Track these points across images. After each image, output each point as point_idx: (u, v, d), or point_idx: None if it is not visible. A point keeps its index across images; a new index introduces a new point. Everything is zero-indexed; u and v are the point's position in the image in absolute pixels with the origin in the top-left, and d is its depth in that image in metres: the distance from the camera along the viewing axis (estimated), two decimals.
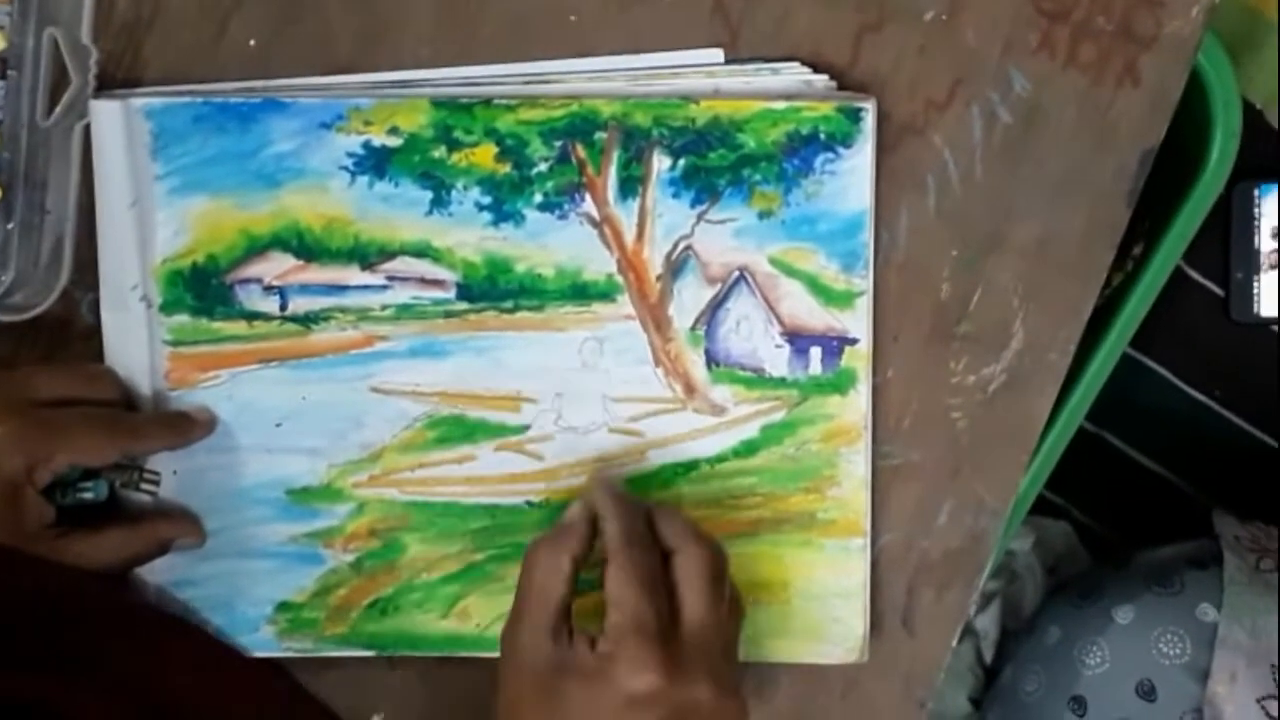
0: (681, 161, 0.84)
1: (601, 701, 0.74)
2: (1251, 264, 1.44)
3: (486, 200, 0.85)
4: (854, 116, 0.83)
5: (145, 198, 0.84)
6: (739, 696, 0.77)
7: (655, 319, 0.86)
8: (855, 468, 0.87)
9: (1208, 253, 1.40)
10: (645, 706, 0.74)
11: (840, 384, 0.86)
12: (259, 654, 0.89)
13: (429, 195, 0.85)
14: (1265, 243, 1.43)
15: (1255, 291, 1.44)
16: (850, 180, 0.84)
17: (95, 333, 0.86)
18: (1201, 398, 1.44)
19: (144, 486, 0.85)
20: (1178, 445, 1.46)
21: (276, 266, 0.86)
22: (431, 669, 0.90)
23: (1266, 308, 1.44)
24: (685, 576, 0.77)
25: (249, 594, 0.88)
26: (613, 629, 0.75)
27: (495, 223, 0.85)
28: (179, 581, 0.88)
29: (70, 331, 0.88)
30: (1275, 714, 1.11)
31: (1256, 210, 1.43)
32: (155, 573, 0.87)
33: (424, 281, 0.86)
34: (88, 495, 0.83)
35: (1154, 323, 1.17)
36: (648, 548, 0.78)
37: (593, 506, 0.81)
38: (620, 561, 0.77)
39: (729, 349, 0.86)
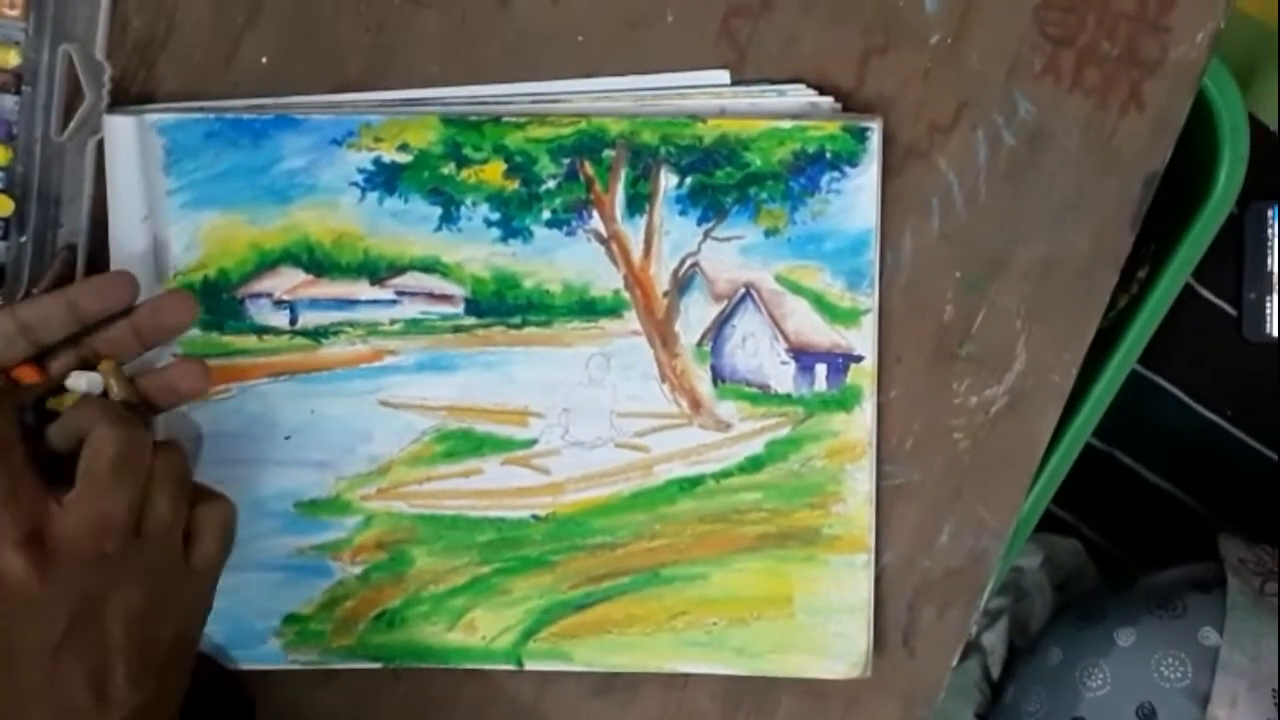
0: (689, 179, 0.85)
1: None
2: (1264, 284, 1.44)
3: (495, 216, 0.86)
4: (860, 136, 0.84)
5: (158, 212, 0.85)
6: (159, 583, 0.74)
7: (662, 335, 0.87)
8: (860, 484, 0.87)
9: (1220, 272, 1.41)
10: (38, 614, 0.70)
11: (845, 401, 0.87)
12: (265, 667, 0.89)
13: (438, 211, 0.86)
14: (1277, 263, 1.44)
15: (1268, 311, 1.44)
16: (856, 199, 0.85)
17: None
18: (1213, 417, 1.44)
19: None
20: (1188, 464, 1.46)
21: (287, 281, 0.86)
22: (436, 681, 0.91)
23: (1279, 328, 1.44)
24: (80, 473, 0.74)
25: (257, 606, 0.89)
26: None
27: (504, 239, 0.86)
28: None
29: None
30: None
31: (1269, 231, 1.43)
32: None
33: (433, 296, 0.86)
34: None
35: (1166, 342, 1.18)
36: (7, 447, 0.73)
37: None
38: None
39: (735, 365, 0.87)
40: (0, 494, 0.71)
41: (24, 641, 0.70)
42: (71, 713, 0.71)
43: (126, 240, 0.85)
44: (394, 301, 0.86)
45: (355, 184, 0.85)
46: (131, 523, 0.73)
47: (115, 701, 0.71)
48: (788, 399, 0.87)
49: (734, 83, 0.86)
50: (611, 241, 0.86)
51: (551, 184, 0.85)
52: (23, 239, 0.86)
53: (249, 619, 0.89)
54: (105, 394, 0.81)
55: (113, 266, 0.85)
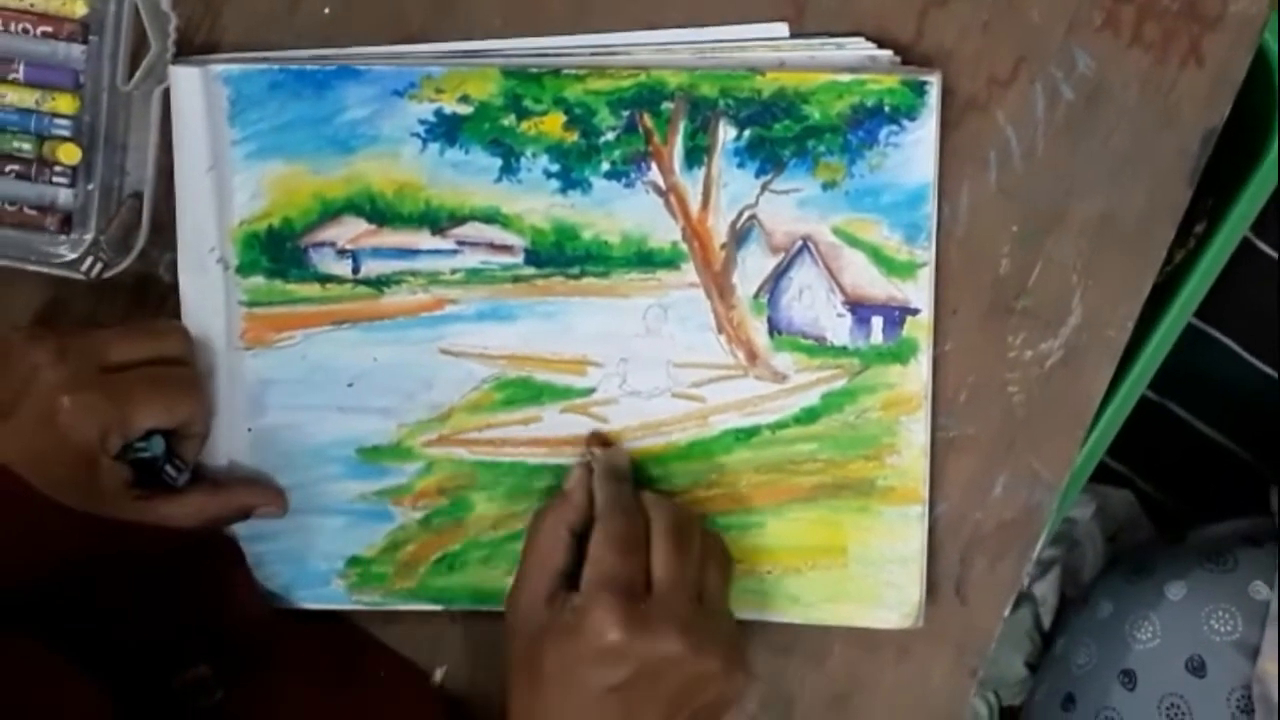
0: (747, 132, 0.85)
1: (573, 656, 0.77)
2: None
3: (554, 168, 0.86)
4: (919, 90, 0.84)
5: (222, 162, 0.86)
6: (722, 652, 0.78)
7: (719, 287, 0.87)
8: (915, 436, 0.88)
9: (1276, 225, 1.39)
10: (613, 661, 0.76)
11: (901, 353, 0.87)
12: (329, 607, 0.91)
13: (498, 163, 0.86)
14: None
15: None
16: (914, 153, 0.85)
17: (173, 292, 0.88)
18: (1268, 370, 1.43)
19: (167, 469, 0.86)
20: (1242, 417, 1.45)
21: (350, 230, 0.87)
22: (495, 624, 0.92)
23: None
24: (652, 536, 0.80)
25: (320, 549, 0.91)
26: (586, 585, 0.78)
27: (563, 190, 0.86)
28: (252, 535, 0.90)
29: (148, 291, 0.90)
30: None
31: None
32: (229, 526, 0.90)
33: (493, 247, 0.87)
34: (145, 454, 0.84)
35: (1221, 295, 1.17)
36: (631, 514, 0.81)
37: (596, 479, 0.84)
38: (602, 524, 0.80)
39: (791, 317, 0.87)
40: (618, 549, 0.79)
41: (587, 677, 0.77)
42: None
43: (192, 189, 0.87)
44: (455, 251, 0.87)
45: (416, 135, 0.86)
46: (696, 591, 0.80)
47: None
48: (844, 351, 0.87)
49: (793, 35, 0.86)
50: (670, 193, 0.86)
51: (610, 136, 0.86)
52: (90, 187, 0.88)
53: (313, 561, 0.91)
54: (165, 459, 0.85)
55: (178, 215, 0.87)
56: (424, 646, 0.93)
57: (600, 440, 0.88)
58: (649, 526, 0.80)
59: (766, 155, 0.86)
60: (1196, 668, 1.16)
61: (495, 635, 0.91)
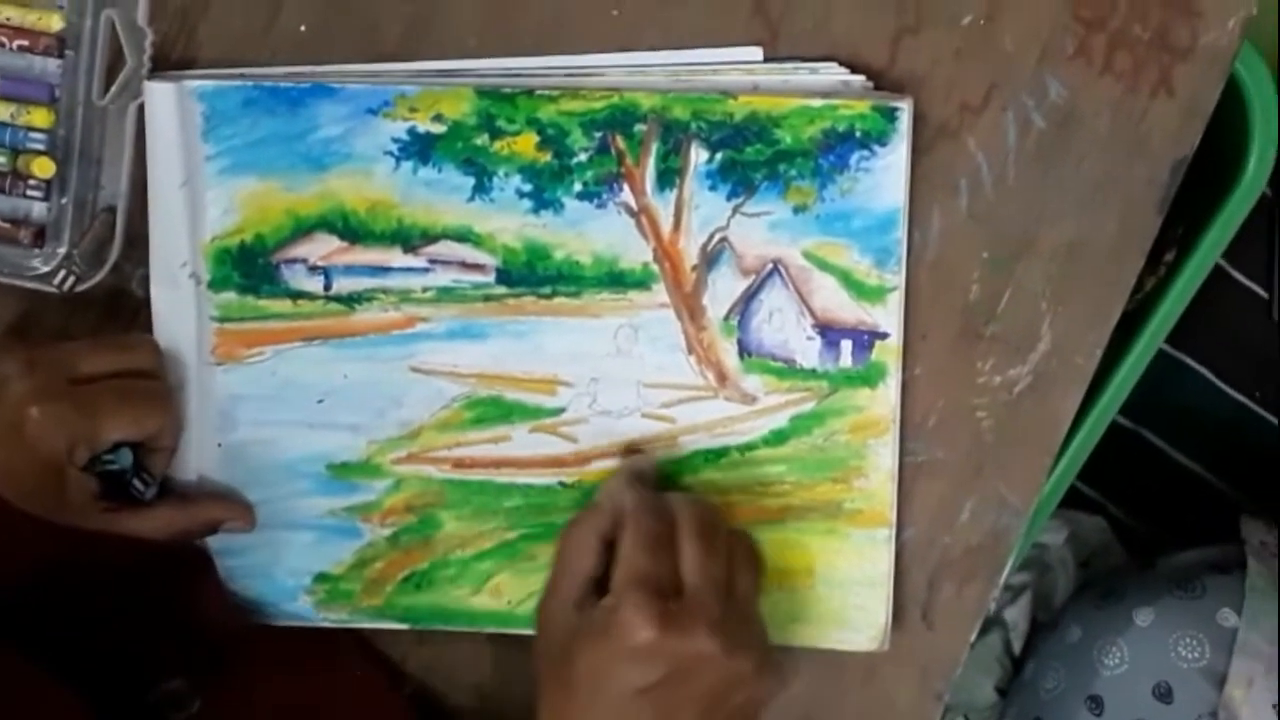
0: (719, 155, 0.86)
1: (605, 656, 0.76)
2: None
3: (527, 188, 0.86)
4: (890, 115, 0.84)
5: (196, 177, 0.87)
6: (755, 654, 0.77)
7: (689, 308, 0.87)
8: (883, 460, 0.88)
9: (1252, 254, 1.39)
10: (646, 660, 0.75)
11: (870, 377, 0.87)
12: (296, 623, 0.91)
13: (471, 182, 0.87)
14: None
15: None
16: (885, 178, 0.85)
17: (145, 307, 0.88)
18: (1241, 399, 1.43)
19: (135, 483, 0.86)
20: (1216, 445, 1.46)
21: (322, 247, 0.88)
22: (461, 644, 0.92)
23: None
24: (679, 536, 0.79)
25: (288, 564, 0.91)
26: (616, 585, 0.77)
27: (535, 210, 0.87)
28: (220, 550, 0.90)
29: (120, 305, 0.90)
30: None
31: None
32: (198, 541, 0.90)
33: (465, 265, 0.87)
34: (113, 466, 0.84)
35: (1195, 323, 1.17)
36: (659, 515, 0.80)
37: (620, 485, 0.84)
38: (631, 525, 0.79)
39: (761, 339, 0.88)
40: (647, 549, 0.78)
41: (618, 678, 0.76)
42: None
43: (164, 204, 0.87)
44: (426, 269, 0.88)
45: (390, 153, 0.86)
46: (727, 591, 0.79)
47: None
48: (813, 374, 0.88)
49: (766, 60, 0.87)
50: (641, 215, 0.87)
51: (583, 157, 0.86)
52: (64, 201, 0.88)
53: (281, 577, 0.91)
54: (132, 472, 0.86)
55: (151, 229, 0.87)
56: (389, 664, 0.93)
57: (631, 451, 0.89)
58: (677, 527, 0.80)
59: (738, 178, 0.86)
60: (1163, 694, 1.16)
61: (463, 655, 0.92)
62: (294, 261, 0.88)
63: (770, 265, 0.87)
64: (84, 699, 0.77)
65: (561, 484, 0.90)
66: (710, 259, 0.87)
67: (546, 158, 0.86)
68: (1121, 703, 1.18)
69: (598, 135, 0.86)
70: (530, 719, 0.78)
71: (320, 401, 0.89)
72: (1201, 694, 1.14)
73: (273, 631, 0.91)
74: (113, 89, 0.85)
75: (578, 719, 0.77)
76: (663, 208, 0.86)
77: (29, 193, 0.88)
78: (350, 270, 0.88)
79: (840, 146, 0.85)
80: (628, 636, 0.75)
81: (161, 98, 0.86)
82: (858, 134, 0.85)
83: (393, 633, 0.92)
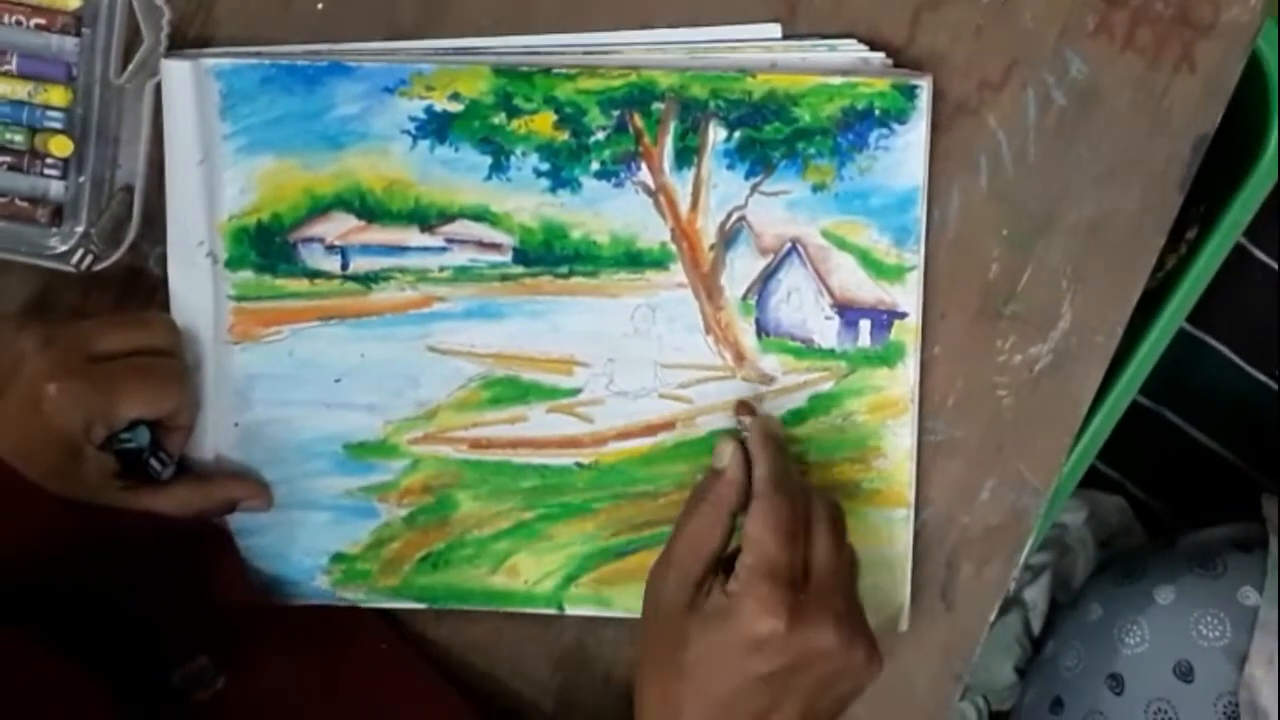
0: (737, 134, 0.85)
1: (725, 642, 0.75)
2: None
3: (544, 167, 0.86)
4: (909, 93, 0.84)
5: (213, 156, 0.86)
6: (868, 645, 0.77)
7: (707, 288, 0.87)
8: (901, 440, 0.88)
9: (1272, 233, 1.39)
10: (767, 650, 0.74)
11: (888, 357, 0.87)
12: (314, 602, 0.91)
13: (488, 161, 0.86)
14: None
15: None
16: (904, 156, 0.85)
17: (162, 285, 0.88)
18: (1261, 377, 1.43)
19: (152, 462, 0.86)
20: (1236, 424, 1.45)
21: (339, 226, 0.87)
22: (478, 623, 0.92)
23: None
24: (814, 524, 0.78)
25: (305, 544, 0.91)
26: (744, 570, 0.76)
27: (552, 189, 0.86)
28: (238, 529, 0.90)
29: (138, 284, 0.90)
30: None
31: None
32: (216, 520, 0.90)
33: (482, 245, 0.87)
34: (130, 444, 0.84)
35: (1216, 301, 1.17)
36: (794, 496, 0.79)
37: (745, 450, 0.81)
38: (764, 505, 0.78)
39: (779, 319, 0.87)
40: (780, 535, 0.76)
41: (738, 666, 0.75)
42: None
43: (182, 183, 0.87)
44: (443, 249, 0.87)
45: (407, 132, 0.86)
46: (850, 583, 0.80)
47: None
48: (831, 354, 0.87)
49: (785, 36, 0.86)
50: (659, 194, 0.86)
51: (601, 135, 0.86)
52: (81, 179, 0.88)
53: (298, 556, 0.91)
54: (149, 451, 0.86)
55: (168, 208, 0.87)
56: None
57: (748, 408, 0.87)
58: (809, 510, 0.79)
59: (756, 157, 0.85)
60: (1184, 673, 1.16)
61: (480, 634, 0.92)
62: (311, 240, 0.88)
63: (788, 244, 0.86)
64: (105, 688, 0.77)
65: (578, 465, 0.89)
66: (728, 238, 0.86)
67: (564, 136, 0.86)
68: (1142, 681, 1.18)
69: (615, 114, 0.85)
70: (557, 697, 0.78)
71: (337, 381, 0.89)
72: (1222, 672, 1.14)
73: (295, 609, 0.91)
74: (130, 67, 0.85)
75: (690, 701, 0.76)
76: (680, 187, 0.86)
77: (46, 171, 0.88)
78: (367, 249, 0.88)
79: (859, 125, 0.85)
80: (753, 627, 0.74)
81: (179, 76, 0.85)
82: (877, 112, 0.84)
83: (410, 611, 0.92)
